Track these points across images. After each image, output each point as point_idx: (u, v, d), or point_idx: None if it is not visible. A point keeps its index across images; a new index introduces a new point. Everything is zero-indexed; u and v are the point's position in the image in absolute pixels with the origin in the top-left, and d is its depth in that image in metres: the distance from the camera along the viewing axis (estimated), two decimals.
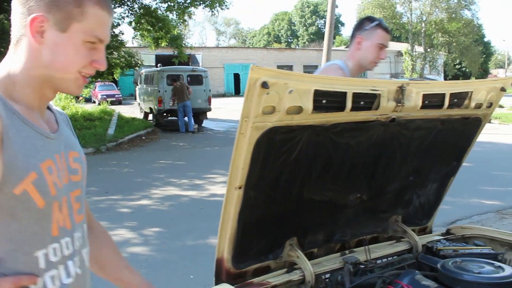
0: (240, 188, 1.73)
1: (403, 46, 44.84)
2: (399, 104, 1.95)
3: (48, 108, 1.33)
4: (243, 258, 1.95)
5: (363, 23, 2.73)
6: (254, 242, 1.98)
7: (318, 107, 1.71)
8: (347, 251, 2.31)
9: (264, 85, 1.53)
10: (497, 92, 2.27)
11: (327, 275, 2.12)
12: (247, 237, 1.90)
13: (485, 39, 59.85)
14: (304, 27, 76.28)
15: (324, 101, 1.73)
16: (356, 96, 1.80)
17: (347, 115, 1.83)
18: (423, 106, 2.04)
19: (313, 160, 1.90)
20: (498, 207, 7.08)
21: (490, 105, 2.30)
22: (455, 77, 46.57)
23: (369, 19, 2.75)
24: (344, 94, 1.77)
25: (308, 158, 1.86)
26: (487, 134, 10.13)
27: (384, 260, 2.33)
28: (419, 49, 43.16)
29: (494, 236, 2.56)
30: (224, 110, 25.14)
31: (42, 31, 1.16)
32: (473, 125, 2.37)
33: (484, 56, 52.38)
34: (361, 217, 2.32)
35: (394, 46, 50.29)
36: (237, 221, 1.81)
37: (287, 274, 2.03)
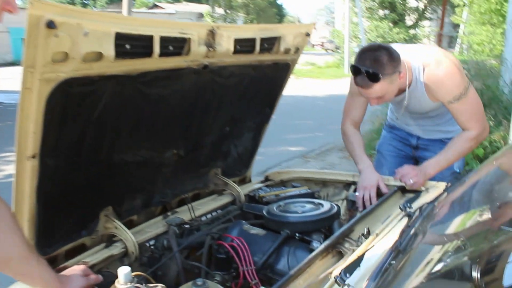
0: (33, 157, 1.41)
1: (204, 8, 45.49)
2: (210, 49, 1.82)
3: None
4: (49, 241, 1.64)
5: None
6: (61, 220, 1.67)
7: (121, 53, 1.46)
8: (169, 213, 2.16)
9: (50, 24, 1.22)
10: (303, 37, 2.31)
11: (152, 242, 1.95)
12: (51, 215, 1.59)
13: (278, 2, 64.36)
14: None
15: (128, 46, 1.48)
16: (164, 40, 1.59)
17: (155, 62, 1.62)
18: (235, 51, 1.95)
19: (121, 115, 1.66)
20: (303, 152, 7.72)
21: (296, 50, 2.33)
22: None
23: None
24: (150, 38, 1.55)
25: (115, 113, 1.62)
26: (286, 89, 10.92)
27: (210, 216, 2.25)
28: (220, 10, 44.28)
29: (308, 176, 2.69)
30: (15, 80, 22.30)
31: None
32: (283, 70, 2.39)
33: (278, 17, 56.32)
34: (180, 175, 2.18)
35: (195, 8, 50.79)
36: (35, 198, 1.49)
37: (106, 249, 1.78)
